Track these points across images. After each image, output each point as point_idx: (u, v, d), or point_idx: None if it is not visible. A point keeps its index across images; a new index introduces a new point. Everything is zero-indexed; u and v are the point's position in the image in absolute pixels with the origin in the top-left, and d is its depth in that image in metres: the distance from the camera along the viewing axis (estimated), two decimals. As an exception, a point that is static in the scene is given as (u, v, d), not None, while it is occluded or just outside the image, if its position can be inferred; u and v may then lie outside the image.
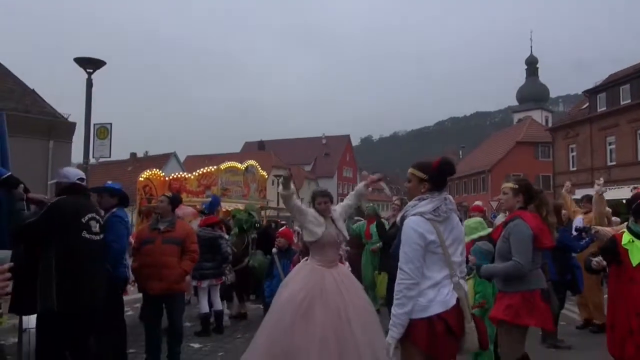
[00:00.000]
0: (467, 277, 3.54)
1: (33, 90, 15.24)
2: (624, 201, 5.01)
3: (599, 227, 6.19)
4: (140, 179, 10.82)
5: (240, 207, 9.96)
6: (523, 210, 3.76)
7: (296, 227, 8.46)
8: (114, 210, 4.72)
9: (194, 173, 12.25)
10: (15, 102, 14.07)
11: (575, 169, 30.56)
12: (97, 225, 3.81)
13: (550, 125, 43.28)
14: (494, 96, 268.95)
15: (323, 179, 58.51)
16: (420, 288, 2.80)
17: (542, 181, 38.18)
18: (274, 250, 6.17)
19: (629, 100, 25.83)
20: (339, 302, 3.96)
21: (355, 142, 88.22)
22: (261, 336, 4.05)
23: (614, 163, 26.94)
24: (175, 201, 5.35)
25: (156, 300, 5.03)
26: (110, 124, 11.76)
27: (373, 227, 8.00)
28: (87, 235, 3.69)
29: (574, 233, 6.38)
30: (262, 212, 14.66)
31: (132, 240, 5.57)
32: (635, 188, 17.07)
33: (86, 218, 3.71)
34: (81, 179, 4.00)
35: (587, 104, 30.26)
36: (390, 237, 6.22)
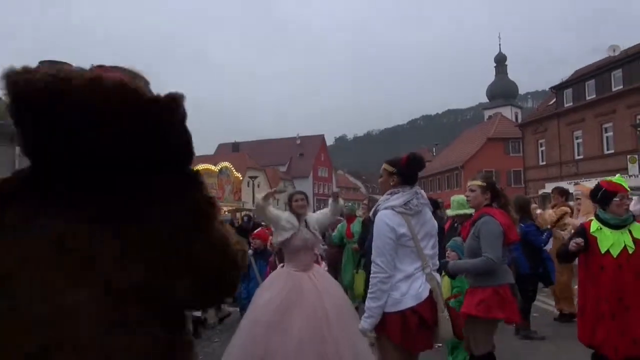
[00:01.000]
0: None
1: (-3, 95, 14.79)
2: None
3: (569, 220, 6.35)
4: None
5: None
6: (490, 207, 3.85)
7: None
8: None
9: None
10: (-22, 107, 13.64)
11: (544, 163, 31.27)
12: None
13: (519, 121, 44.22)
14: (465, 93, 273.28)
15: (298, 179, 58.43)
16: (393, 281, 2.84)
17: (513, 176, 39.03)
18: (250, 251, 6.13)
19: (594, 96, 26.54)
20: (317, 304, 3.95)
21: (329, 141, 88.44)
22: (238, 340, 4.02)
23: (581, 157, 27.64)
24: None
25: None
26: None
27: (354, 226, 8.02)
28: None
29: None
30: (237, 214, 14.56)
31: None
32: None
33: None
34: None
35: (555, 100, 31.01)
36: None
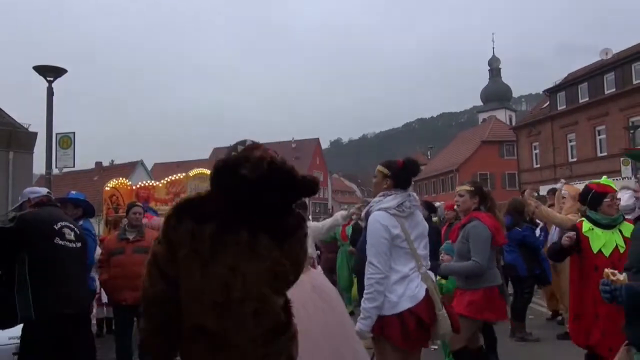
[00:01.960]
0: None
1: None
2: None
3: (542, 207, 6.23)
4: (107, 188, 10.59)
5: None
6: (479, 212, 3.93)
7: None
8: (80, 222, 4.63)
9: (162, 181, 12.05)
10: (-30, 113, 13.62)
11: (538, 166, 31.46)
12: (72, 233, 3.73)
13: (514, 124, 44.43)
14: (459, 97, 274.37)
15: (294, 182, 58.38)
16: (389, 283, 2.87)
17: (507, 179, 39.21)
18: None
19: (587, 99, 26.76)
20: (318, 309, 3.95)
21: (324, 145, 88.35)
22: None
23: (575, 159, 27.84)
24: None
25: (129, 311, 4.91)
26: (74, 133, 11.46)
27: (349, 229, 8.04)
28: (61, 242, 3.60)
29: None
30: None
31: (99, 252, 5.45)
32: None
33: (59, 225, 3.64)
34: (49, 193, 4.12)
35: (548, 103, 31.22)
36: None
